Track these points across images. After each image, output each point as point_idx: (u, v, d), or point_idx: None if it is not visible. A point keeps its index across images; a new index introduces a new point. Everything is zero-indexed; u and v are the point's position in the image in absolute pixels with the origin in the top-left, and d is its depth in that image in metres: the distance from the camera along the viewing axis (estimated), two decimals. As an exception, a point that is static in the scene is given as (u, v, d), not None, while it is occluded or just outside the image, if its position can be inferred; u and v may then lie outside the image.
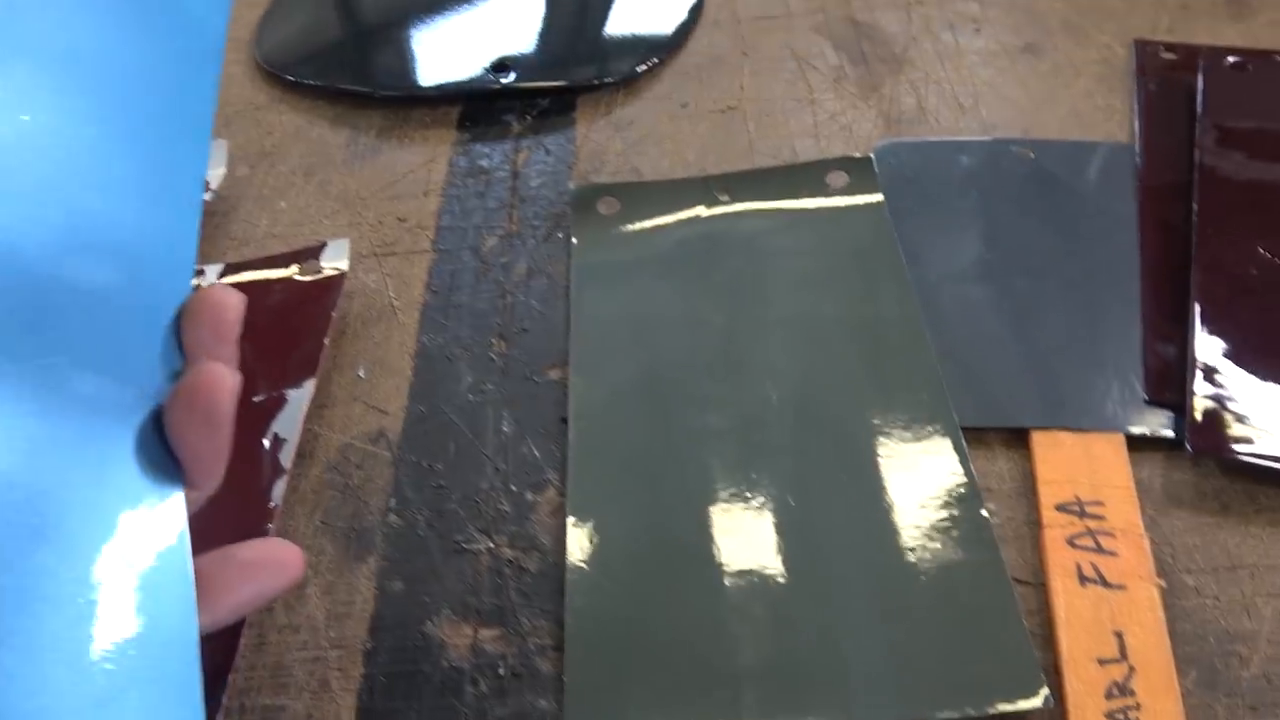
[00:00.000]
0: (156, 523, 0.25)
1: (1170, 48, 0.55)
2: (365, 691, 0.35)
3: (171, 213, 0.26)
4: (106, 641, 0.22)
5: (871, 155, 0.50)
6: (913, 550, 0.36)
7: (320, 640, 0.37)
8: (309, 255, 0.48)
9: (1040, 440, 0.39)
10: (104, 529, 0.24)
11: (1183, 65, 0.54)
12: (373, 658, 0.36)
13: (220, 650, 0.35)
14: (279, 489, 0.39)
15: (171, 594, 0.24)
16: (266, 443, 0.41)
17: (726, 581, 0.36)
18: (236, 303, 0.27)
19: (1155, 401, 0.39)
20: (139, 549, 0.24)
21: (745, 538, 0.37)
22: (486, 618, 0.37)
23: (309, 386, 0.43)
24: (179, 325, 0.27)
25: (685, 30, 0.61)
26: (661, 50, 0.59)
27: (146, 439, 0.25)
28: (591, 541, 0.37)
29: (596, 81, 0.57)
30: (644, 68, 0.58)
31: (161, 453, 0.25)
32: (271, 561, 0.28)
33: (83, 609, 0.22)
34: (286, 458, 0.40)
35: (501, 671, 0.35)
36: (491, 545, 0.39)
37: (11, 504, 0.22)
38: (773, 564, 0.36)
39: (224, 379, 0.26)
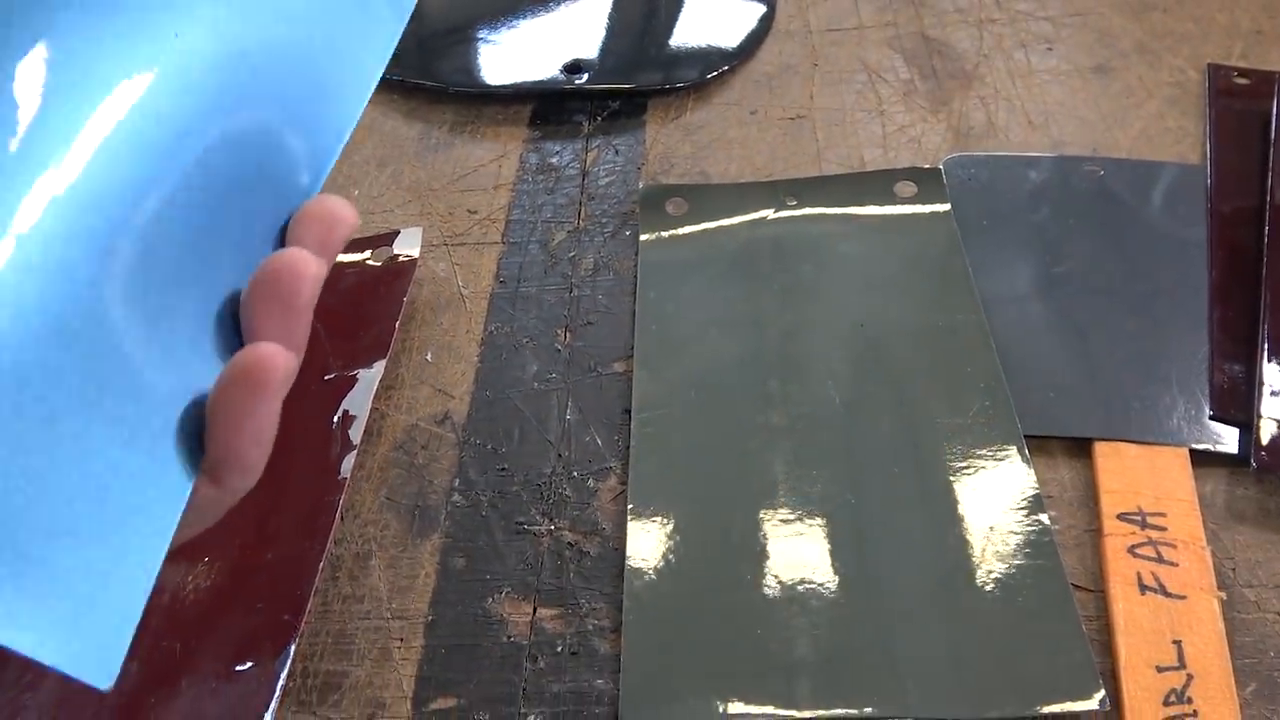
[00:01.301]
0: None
1: (1243, 73, 0.55)
2: (425, 661, 0.36)
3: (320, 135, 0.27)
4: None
5: (940, 167, 0.50)
6: (972, 552, 0.36)
7: (383, 611, 0.37)
8: (382, 242, 0.49)
9: (1103, 450, 0.39)
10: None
11: (1255, 91, 0.53)
12: (433, 630, 0.37)
13: (282, 616, 0.36)
14: (348, 463, 0.40)
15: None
16: (337, 419, 0.42)
17: (783, 574, 0.36)
18: (316, 272, 0.24)
19: (1220, 418, 0.39)
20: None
21: (804, 533, 0.37)
22: (546, 597, 0.37)
23: (379, 367, 0.44)
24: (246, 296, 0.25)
25: (756, 39, 0.62)
26: (732, 58, 0.60)
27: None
28: (651, 529, 0.38)
29: (667, 86, 0.58)
30: (714, 74, 0.59)
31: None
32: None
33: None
34: (356, 434, 0.41)
35: (560, 649, 0.36)
36: (553, 528, 0.39)
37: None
38: (831, 559, 0.37)
39: (276, 359, 0.23)
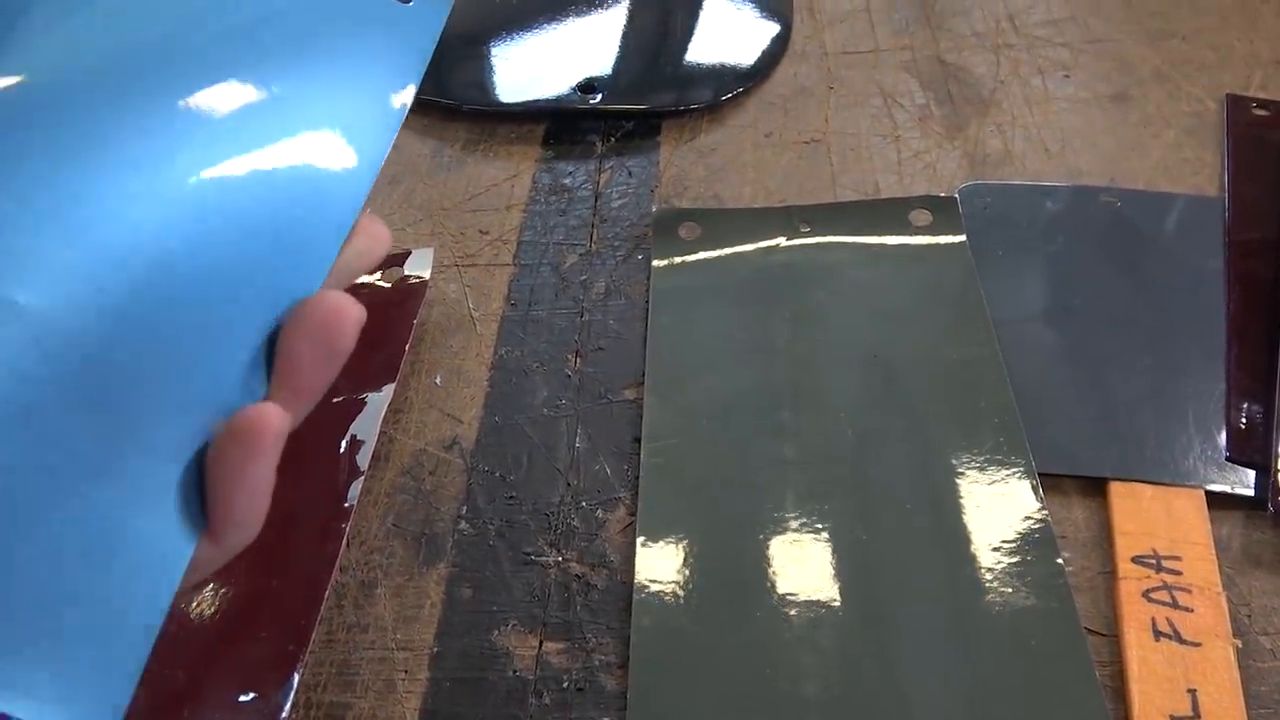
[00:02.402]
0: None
1: (1262, 104, 0.54)
2: (430, 695, 0.36)
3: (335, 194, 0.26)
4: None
5: (956, 195, 0.50)
6: (984, 593, 0.36)
7: (388, 641, 0.37)
8: (393, 262, 0.49)
9: (1118, 491, 0.38)
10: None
11: (1274, 122, 0.53)
12: (439, 662, 0.36)
13: (285, 647, 0.36)
14: (355, 489, 0.40)
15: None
16: (344, 443, 0.42)
17: (793, 611, 0.36)
18: (357, 316, 0.24)
19: (1237, 460, 0.39)
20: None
21: (814, 569, 0.37)
22: (553, 631, 0.37)
23: (388, 391, 0.44)
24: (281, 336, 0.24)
25: (771, 60, 0.61)
26: (746, 79, 0.60)
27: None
28: (660, 563, 0.38)
29: (681, 107, 0.58)
30: (729, 96, 0.59)
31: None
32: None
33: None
34: (364, 459, 0.41)
35: (565, 685, 0.35)
36: (560, 560, 0.39)
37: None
38: (840, 597, 0.36)
39: (270, 419, 0.23)
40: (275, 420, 0.23)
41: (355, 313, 0.24)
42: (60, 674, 0.19)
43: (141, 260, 0.22)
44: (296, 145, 0.25)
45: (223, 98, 0.24)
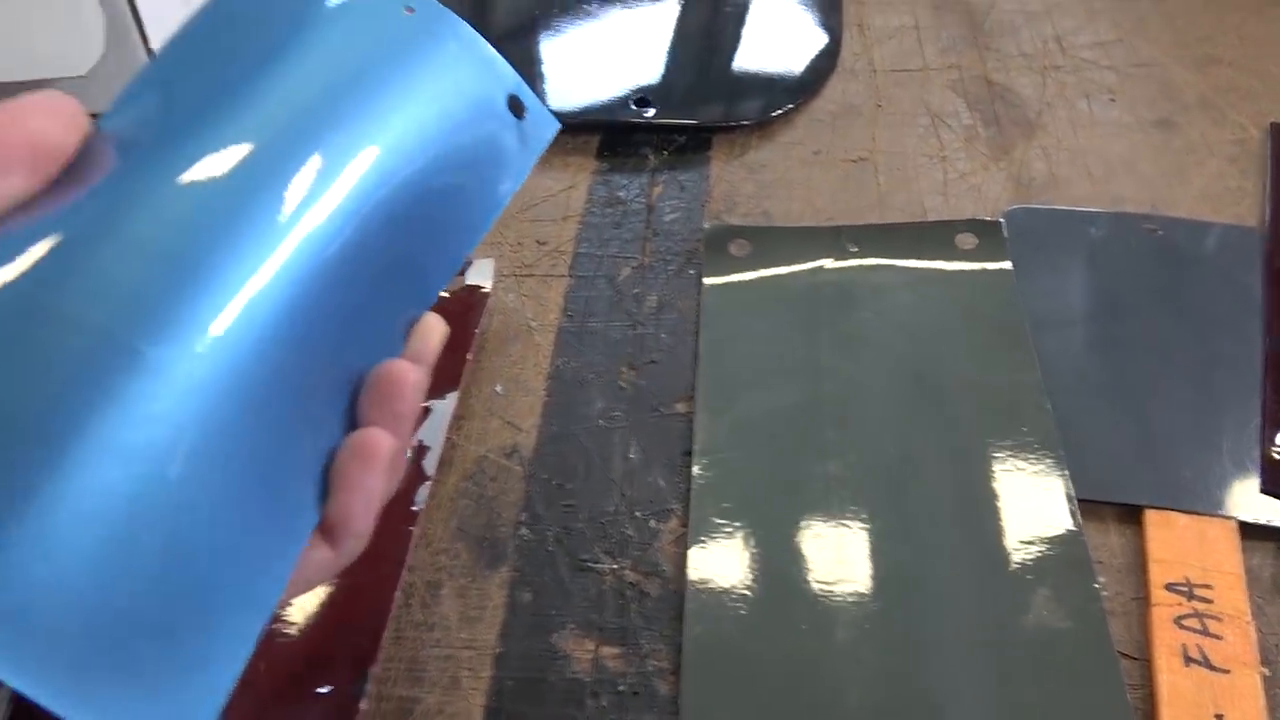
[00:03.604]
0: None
1: (1306, 134, 0.55)
2: (494, 692, 0.38)
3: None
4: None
5: (1001, 220, 0.51)
6: (1021, 613, 0.37)
7: (453, 640, 0.39)
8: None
9: (1153, 519, 0.40)
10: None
11: (1318, 153, 0.54)
12: (502, 661, 0.39)
13: (362, 641, 0.38)
14: (423, 494, 0.42)
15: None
16: (412, 449, 0.44)
17: (836, 624, 0.38)
18: (416, 379, 0.29)
19: (1271, 492, 0.40)
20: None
21: (856, 584, 0.39)
22: (609, 636, 0.39)
23: (452, 399, 0.46)
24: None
25: (820, 77, 0.63)
26: (796, 95, 0.61)
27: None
28: (710, 574, 0.40)
29: (732, 123, 0.60)
30: (778, 112, 0.60)
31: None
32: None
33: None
34: (431, 465, 0.43)
35: (621, 689, 0.38)
36: (615, 567, 0.41)
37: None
38: (883, 614, 0.38)
39: (382, 442, 0.27)
40: (386, 442, 0.27)
41: (412, 376, 0.29)
42: (168, 690, 0.22)
43: (270, 314, 0.25)
44: (428, 218, 0.30)
45: (367, 169, 0.28)
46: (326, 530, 0.27)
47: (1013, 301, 0.48)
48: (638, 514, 0.43)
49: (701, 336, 0.48)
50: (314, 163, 0.27)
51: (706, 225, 0.54)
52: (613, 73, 0.63)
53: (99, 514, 0.21)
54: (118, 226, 0.24)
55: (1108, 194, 0.54)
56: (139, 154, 0.26)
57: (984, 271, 0.49)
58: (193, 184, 0.26)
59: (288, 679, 0.37)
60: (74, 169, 0.26)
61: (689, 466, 0.44)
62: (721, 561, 0.40)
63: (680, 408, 0.46)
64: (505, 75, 0.33)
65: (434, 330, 0.31)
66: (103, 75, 0.59)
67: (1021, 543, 0.39)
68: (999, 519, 0.40)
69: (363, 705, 0.36)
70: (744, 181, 0.57)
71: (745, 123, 0.60)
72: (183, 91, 0.28)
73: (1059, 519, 0.40)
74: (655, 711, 0.37)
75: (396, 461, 0.28)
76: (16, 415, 0.21)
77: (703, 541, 0.41)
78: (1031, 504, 0.41)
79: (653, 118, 0.60)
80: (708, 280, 0.51)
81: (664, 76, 0.63)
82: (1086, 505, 0.41)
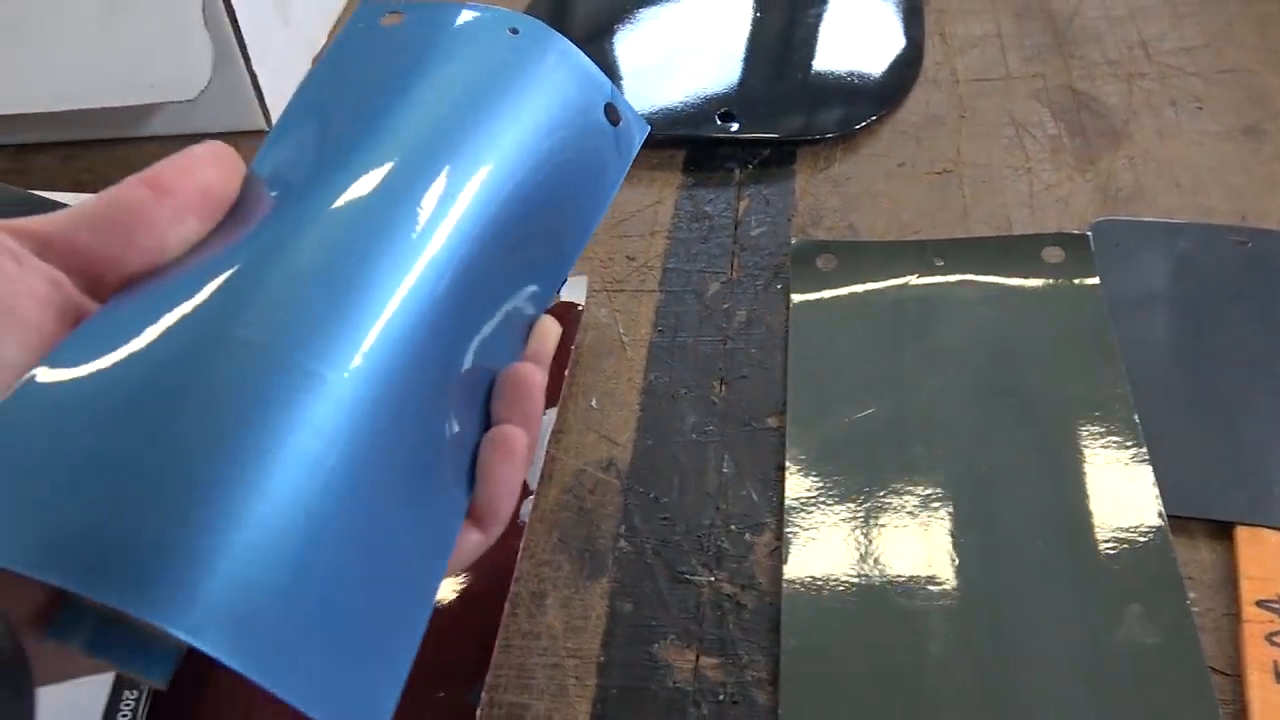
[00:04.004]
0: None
1: (1401, 140, 0.55)
2: (599, 700, 0.40)
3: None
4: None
5: (1089, 234, 0.52)
6: (1113, 629, 0.38)
7: (559, 649, 0.41)
8: (551, 289, 0.53)
9: (1245, 536, 0.40)
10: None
11: None
12: (606, 670, 0.40)
13: (476, 650, 0.40)
14: (526, 507, 0.44)
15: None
16: (515, 463, 0.46)
17: (930, 641, 0.39)
18: (541, 381, 0.32)
19: (1364, 509, 0.40)
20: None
21: (949, 600, 0.40)
22: (708, 646, 0.41)
23: (551, 414, 0.48)
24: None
25: (903, 87, 0.63)
26: (880, 107, 0.62)
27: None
28: (805, 588, 0.41)
29: (816, 136, 0.61)
30: (862, 124, 0.61)
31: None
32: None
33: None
34: (533, 479, 0.45)
35: (721, 698, 0.39)
36: (712, 579, 0.43)
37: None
38: (975, 628, 0.39)
39: (521, 437, 0.31)
40: (522, 439, 0.31)
41: (539, 378, 0.32)
42: (350, 680, 0.24)
43: (416, 327, 0.28)
44: (541, 227, 0.33)
45: (497, 185, 0.32)
46: (476, 518, 0.31)
47: (1101, 317, 0.48)
48: (732, 527, 0.44)
49: (790, 352, 0.50)
50: (444, 186, 0.30)
51: (793, 240, 0.55)
52: (696, 87, 0.64)
53: (292, 520, 0.24)
54: (280, 258, 0.27)
55: (1196, 205, 0.54)
56: (290, 193, 0.29)
57: (1071, 286, 0.50)
58: (340, 216, 0.28)
59: (408, 683, 0.39)
60: (236, 210, 0.29)
61: (781, 481, 0.45)
62: (815, 575, 0.41)
63: (771, 422, 0.48)
64: (602, 85, 0.36)
65: (550, 332, 0.34)
66: (209, 98, 0.62)
67: (1112, 558, 0.40)
68: (1089, 534, 0.41)
69: (479, 712, 0.38)
70: (829, 195, 0.58)
71: (829, 135, 0.61)
72: (319, 134, 0.31)
73: (1149, 534, 0.41)
74: (755, 720, 0.38)
75: (530, 454, 0.32)
76: (214, 436, 0.24)
77: (797, 556, 0.42)
78: (1121, 519, 0.41)
79: (737, 132, 0.61)
80: (795, 296, 0.52)
81: (747, 89, 0.64)
82: (1176, 521, 0.41)
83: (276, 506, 0.24)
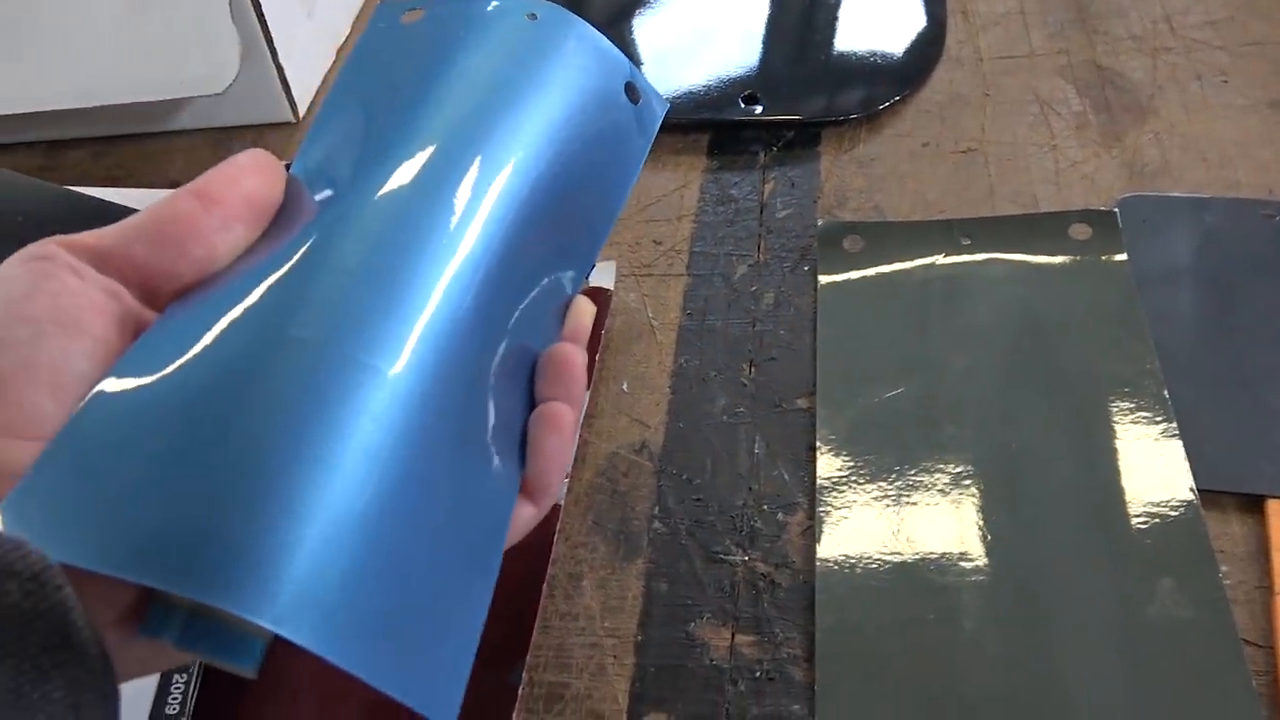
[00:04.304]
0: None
1: None
2: (637, 679, 0.40)
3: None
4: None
5: (1116, 210, 0.52)
6: (1146, 604, 0.39)
7: (596, 629, 0.42)
8: (579, 274, 0.54)
9: (1275, 509, 0.41)
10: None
11: None
12: (643, 649, 0.41)
13: (515, 631, 0.41)
14: (561, 490, 0.45)
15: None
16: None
17: (964, 617, 0.40)
18: (582, 360, 0.33)
19: (1396, 481, 0.41)
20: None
21: (982, 576, 0.40)
22: (743, 624, 0.41)
23: (584, 397, 0.48)
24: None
25: (926, 66, 0.63)
26: (904, 86, 0.62)
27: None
28: (839, 566, 0.42)
29: (840, 117, 0.61)
30: (886, 104, 0.61)
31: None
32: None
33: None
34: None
35: (758, 675, 0.40)
36: (746, 559, 0.43)
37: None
38: (1008, 604, 0.40)
39: (567, 412, 0.32)
40: (569, 415, 0.32)
41: (579, 358, 0.33)
42: (422, 658, 0.25)
43: (464, 322, 0.29)
44: (571, 208, 0.34)
45: (531, 168, 0.33)
46: (527, 492, 0.32)
47: (1129, 293, 0.48)
48: (765, 507, 0.45)
49: (819, 333, 0.50)
50: (477, 176, 0.31)
51: (819, 222, 0.55)
52: (719, 70, 0.64)
53: (359, 508, 0.25)
54: (326, 258, 0.28)
55: (1222, 179, 0.54)
56: (330, 194, 0.30)
57: (1099, 263, 0.50)
58: (380, 213, 0.29)
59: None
60: (280, 215, 0.29)
61: (813, 461, 0.45)
62: (849, 553, 0.42)
63: (801, 403, 0.48)
64: (621, 64, 0.36)
65: (585, 311, 0.35)
66: (237, 92, 0.63)
67: (1143, 533, 0.41)
68: (1120, 510, 0.41)
69: (519, 691, 0.39)
70: (854, 176, 0.58)
71: (853, 116, 0.61)
72: (352, 136, 0.32)
73: (1180, 509, 0.41)
74: (792, 696, 0.39)
75: (576, 429, 0.33)
76: (280, 432, 0.25)
77: (830, 534, 0.43)
78: (1152, 494, 0.42)
79: (761, 114, 0.61)
80: (823, 277, 0.52)
81: (770, 71, 0.64)
82: (1207, 495, 0.42)
83: (344, 496, 0.25)
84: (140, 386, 0.25)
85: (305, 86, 0.67)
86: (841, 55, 0.65)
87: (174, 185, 0.63)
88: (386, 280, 0.28)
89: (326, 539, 0.24)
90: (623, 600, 0.43)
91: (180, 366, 0.25)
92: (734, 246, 0.56)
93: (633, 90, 0.37)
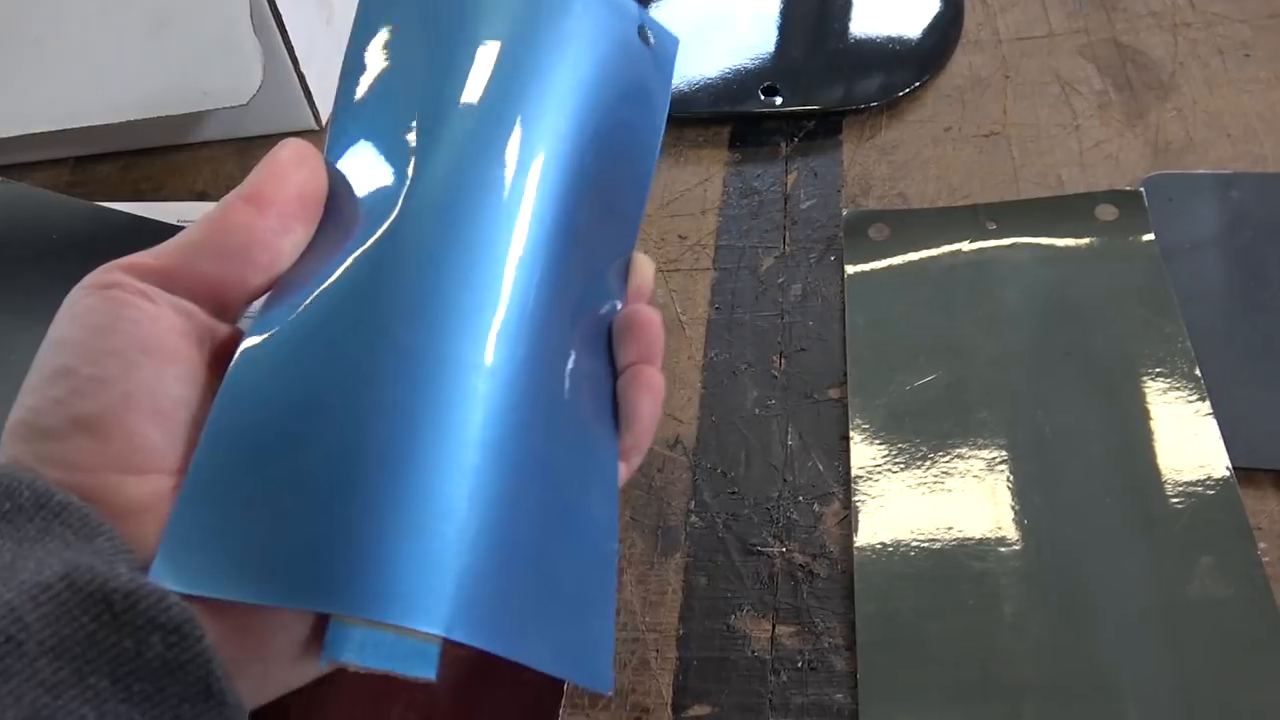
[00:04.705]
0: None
1: None
2: (680, 672, 0.41)
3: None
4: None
5: (1142, 190, 0.52)
6: (1184, 583, 0.39)
7: (638, 624, 0.42)
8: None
9: (1313, 485, 0.41)
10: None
11: None
12: (685, 643, 0.42)
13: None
14: (598, 488, 0.45)
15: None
16: (584, 446, 0.47)
17: (1004, 601, 0.40)
18: (657, 318, 0.34)
19: None
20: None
21: (1020, 561, 0.41)
22: (784, 615, 0.42)
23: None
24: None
25: (946, 51, 0.63)
26: (922, 71, 0.62)
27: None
28: (877, 554, 0.42)
29: (861, 105, 0.61)
30: (906, 90, 0.61)
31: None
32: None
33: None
34: (603, 461, 0.46)
35: (799, 665, 0.40)
36: (784, 550, 0.44)
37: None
38: (1047, 587, 0.40)
39: (657, 375, 0.33)
40: (659, 376, 0.33)
41: (658, 319, 0.34)
42: (567, 632, 0.26)
43: (546, 300, 0.30)
44: (612, 163, 0.34)
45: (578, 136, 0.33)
46: (621, 454, 0.33)
47: (1157, 271, 0.48)
48: (800, 499, 0.45)
49: (848, 322, 0.50)
50: (522, 144, 0.30)
51: (844, 211, 0.55)
52: (737, 62, 0.64)
53: (491, 504, 0.26)
54: (402, 252, 0.28)
55: (1248, 154, 0.54)
56: (373, 183, 0.30)
57: (1126, 243, 0.50)
58: (437, 197, 0.29)
59: (497, 665, 0.41)
60: (329, 207, 0.30)
61: (847, 451, 0.46)
62: (886, 541, 0.42)
63: (833, 393, 0.48)
64: (632, 10, 0.36)
65: (645, 266, 0.36)
66: (260, 102, 0.63)
67: (1180, 512, 0.41)
68: (1156, 490, 0.41)
69: (564, 687, 0.40)
70: (877, 164, 0.58)
71: (873, 104, 0.61)
72: (379, 116, 0.31)
73: (1216, 487, 0.41)
74: (834, 685, 0.39)
75: (664, 388, 0.33)
76: (405, 439, 0.25)
77: (867, 523, 0.43)
78: (1188, 473, 0.42)
79: (781, 105, 0.61)
80: (850, 267, 0.52)
81: (789, 62, 0.64)
82: (1243, 472, 0.42)
83: (475, 494, 0.25)
84: (257, 410, 0.25)
85: (326, 94, 0.67)
86: (859, 42, 0.65)
87: (200, 197, 0.64)
88: (463, 270, 0.28)
89: (468, 539, 0.25)
90: (662, 595, 0.43)
91: (291, 384, 0.26)
92: (759, 239, 0.56)
93: (644, 34, 0.37)
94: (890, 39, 0.64)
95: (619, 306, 0.34)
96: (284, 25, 0.62)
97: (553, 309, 0.30)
